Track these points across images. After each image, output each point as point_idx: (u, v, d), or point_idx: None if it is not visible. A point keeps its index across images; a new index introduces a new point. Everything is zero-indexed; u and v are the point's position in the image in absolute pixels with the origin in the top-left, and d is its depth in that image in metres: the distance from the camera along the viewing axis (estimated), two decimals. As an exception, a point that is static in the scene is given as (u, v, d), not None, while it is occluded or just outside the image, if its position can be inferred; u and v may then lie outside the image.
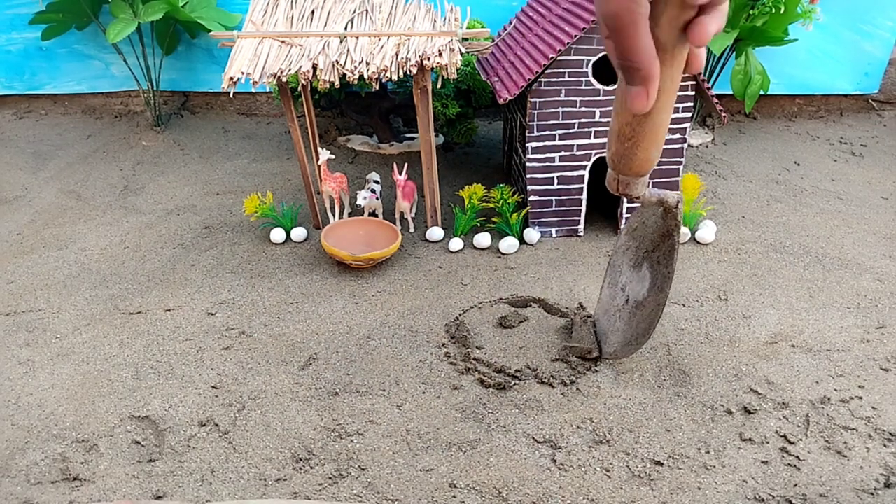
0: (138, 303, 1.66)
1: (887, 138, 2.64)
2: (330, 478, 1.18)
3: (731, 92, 2.44)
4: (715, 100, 1.74)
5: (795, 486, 1.17)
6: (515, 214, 1.86)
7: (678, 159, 1.84)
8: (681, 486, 1.17)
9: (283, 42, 1.65)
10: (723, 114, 1.76)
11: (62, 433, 1.27)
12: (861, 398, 1.35)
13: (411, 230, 1.97)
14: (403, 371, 1.43)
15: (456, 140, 2.37)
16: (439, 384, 1.39)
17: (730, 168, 2.37)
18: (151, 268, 1.80)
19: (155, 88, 2.57)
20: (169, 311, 1.63)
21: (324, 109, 2.53)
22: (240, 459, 1.22)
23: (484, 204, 1.89)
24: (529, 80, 1.68)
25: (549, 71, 1.70)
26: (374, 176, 2.00)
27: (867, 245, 1.89)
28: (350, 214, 2.01)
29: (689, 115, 1.79)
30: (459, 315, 1.60)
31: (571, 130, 1.78)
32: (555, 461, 1.21)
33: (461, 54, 1.62)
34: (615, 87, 1.28)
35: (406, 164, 1.87)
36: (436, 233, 1.91)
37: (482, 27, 1.89)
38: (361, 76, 1.58)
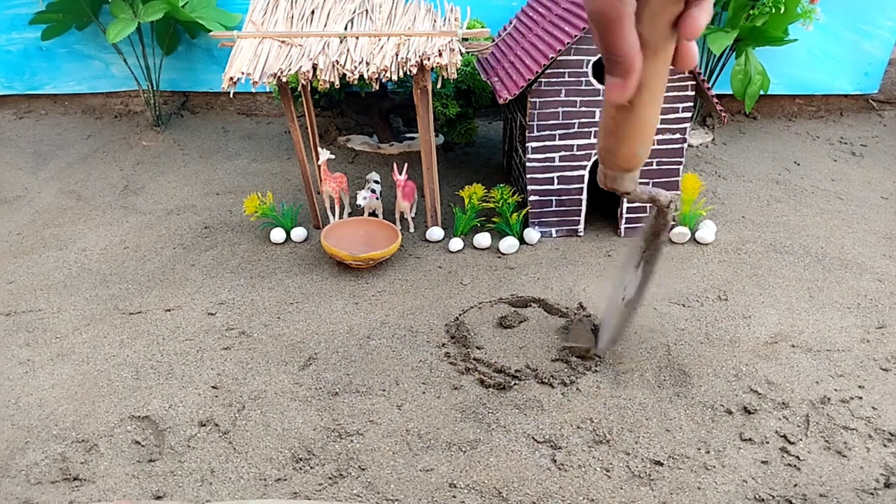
0: (138, 303, 1.66)
1: (887, 138, 2.64)
2: (330, 478, 1.18)
3: (731, 92, 2.44)
4: (715, 100, 1.74)
5: (795, 486, 1.17)
6: (515, 214, 1.86)
7: (678, 159, 1.84)
8: (681, 486, 1.17)
9: (283, 42, 1.65)
10: (723, 114, 1.76)
11: (62, 433, 1.27)
12: (861, 398, 1.35)
13: (411, 230, 1.97)
14: (403, 371, 1.43)
15: (456, 140, 2.37)
16: (439, 384, 1.39)
17: (730, 168, 2.37)
18: (151, 268, 1.80)
19: (155, 88, 2.57)
20: (169, 311, 1.63)
21: (324, 109, 2.53)
22: (240, 459, 1.22)
23: (484, 204, 1.89)
24: (529, 80, 1.68)
25: (549, 71, 1.70)
26: (374, 176, 2.00)
27: (867, 245, 1.89)
28: (350, 214, 2.01)
29: (689, 115, 1.79)
30: (459, 315, 1.60)
31: (571, 130, 1.78)
32: (555, 461, 1.21)
33: (461, 54, 1.62)
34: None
35: (406, 164, 1.87)
36: (436, 233, 1.91)
37: (482, 27, 1.89)
38: (361, 76, 1.58)
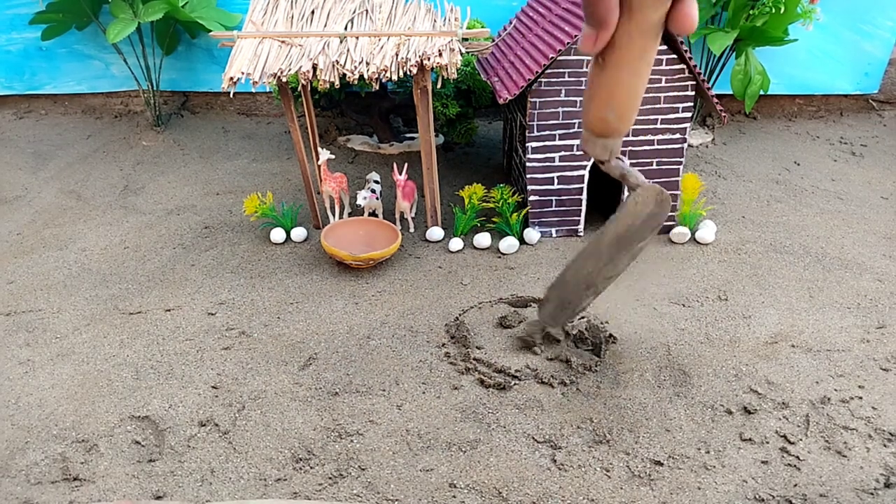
0: (138, 303, 1.66)
1: (887, 138, 2.64)
2: (330, 478, 1.18)
3: (731, 92, 2.44)
4: (715, 100, 1.74)
5: (795, 486, 1.17)
6: (515, 214, 1.86)
7: (678, 159, 1.84)
8: (681, 486, 1.17)
9: (283, 42, 1.65)
10: (723, 114, 1.76)
11: (62, 433, 1.27)
12: (861, 398, 1.35)
13: (411, 230, 1.97)
14: (403, 371, 1.43)
15: (456, 140, 2.37)
16: (439, 384, 1.39)
17: (730, 168, 2.37)
18: (151, 268, 1.80)
19: (155, 88, 2.57)
20: (169, 311, 1.63)
21: (324, 109, 2.53)
22: (240, 459, 1.22)
23: (484, 204, 1.89)
24: (529, 80, 1.68)
25: (549, 71, 1.70)
26: (374, 176, 2.00)
27: (867, 245, 1.89)
28: (350, 214, 2.01)
29: (689, 115, 1.79)
30: (459, 315, 1.60)
31: (571, 130, 1.78)
32: (555, 461, 1.21)
33: (461, 54, 1.62)
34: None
35: (406, 164, 1.87)
36: (436, 233, 1.91)
37: (482, 27, 1.89)
38: (361, 76, 1.58)
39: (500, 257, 1.84)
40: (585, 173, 1.83)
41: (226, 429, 1.28)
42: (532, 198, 1.86)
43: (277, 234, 1.90)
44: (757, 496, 1.15)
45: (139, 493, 1.15)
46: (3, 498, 1.14)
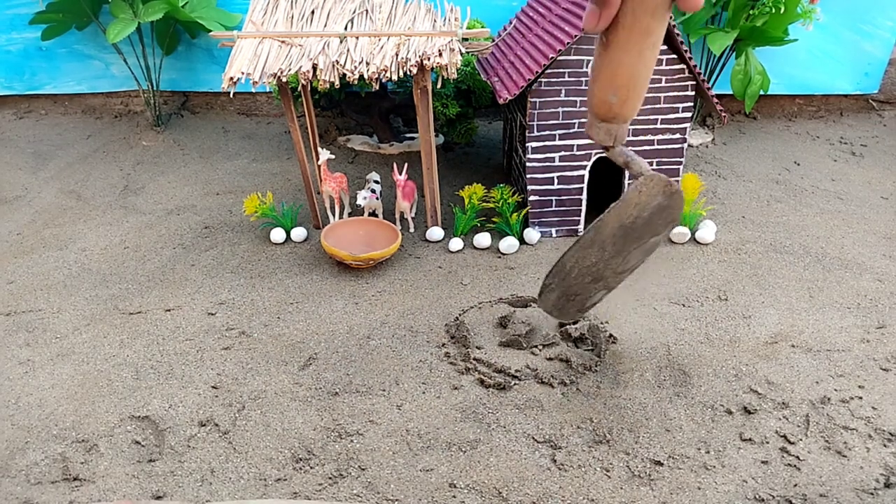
0: (138, 303, 1.66)
1: (887, 138, 2.64)
2: (330, 478, 1.18)
3: (731, 92, 2.44)
4: (715, 100, 1.74)
5: (795, 486, 1.17)
6: (515, 214, 1.86)
7: (678, 159, 1.84)
8: (681, 486, 1.17)
9: (283, 42, 1.65)
10: (723, 114, 1.77)
11: (62, 433, 1.27)
12: (861, 398, 1.35)
13: (411, 230, 1.97)
14: (403, 371, 1.43)
15: (456, 140, 2.37)
16: (439, 384, 1.39)
17: (730, 168, 2.37)
18: (151, 268, 1.80)
19: (155, 88, 2.57)
20: (169, 311, 1.63)
21: (324, 109, 2.53)
22: (240, 459, 1.22)
23: (484, 204, 1.89)
24: (529, 80, 1.68)
25: (549, 71, 1.70)
26: (374, 176, 2.00)
27: (867, 245, 1.89)
28: (350, 214, 2.01)
29: (689, 115, 1.79)
30: (459, 315, 1.60)
31: (571, 130, 1.78)
32: (555, 461, 1.21)
33: (461, 54, 1.62)
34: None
35: (406, 164, 1.87)
36: (436, 233, 1.91)
37: (482, 27, 1.89)
38: (361, 76, 1.58)
39: (500, 257, 1.84)
40: (585, 173, 1.83)
41: (226, 429, 1.28)
42: (532, 198, 1.86)
43: (277, 234, 1.90)
44: (757, 496, 1.15)
45: (139, 493, 1.15)
46: (3, 498, 1.14)
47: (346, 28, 1.68)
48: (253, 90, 1.98)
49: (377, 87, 1.66)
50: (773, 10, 2.19)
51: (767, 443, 1.25)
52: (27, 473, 1.19)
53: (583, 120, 1.76)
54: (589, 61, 1.70)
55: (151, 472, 1.20)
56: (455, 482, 1.17)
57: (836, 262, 1.81)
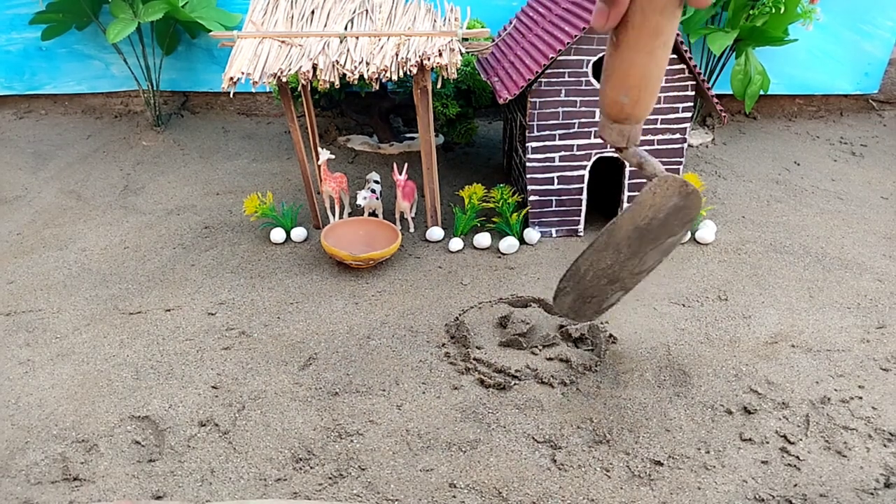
0: (138, 303, 1.66)
1: (887, 138, 2.64)
2: (330, 478, 1.18)
3: (731, 92, 2.44)
4: (715, 100, 1.74)
5: (795, 486, 1.17)
6: (515, 214, 1.86)
7: (678, 159, 1.84)
8: (681, 486, 1.17)
9: (283, 42, 1.65)
10: (723, 114, 1.76)
11: (62, 433, 1.27)
12: (861, 398, 1.35)
13: (411, 230, 1.97)
14: (403, 371, 1.43)
15: (456, 140, 2.37)
16: (439, 384, 1.39)
17: (730, 168, 2.37)
18: (151, 268, 1.80)
19: (155, 88, 2.57)
20: (169, 311, 1.63)
21: (324, 109, 2.53)
22: (240, 459, 1.22)
23: (484, 204, 1.89)
24: (529, 80, 1.68)
25: (549, 71, 1.70)
26: (374, 176, 2.00)
27: (867, 245, 1.89)
28: (350, 214, 2.01)
29: (689, 115, 1.79)
30: (459, 315, 1.60)
31: (571, 130, 1.78)
32: (555, 461, 1.21)
33: (461, 54, 1.62)
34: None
35: (406, 164, 1.87)
36: (436, 233, 1.91)
37: (482, 27, 1.89)
38: (361, 76, 1.58)
39: (500, 257, 1.84)
40: (585, 173, 1.83)
41: (226, 429, 1.28)
42: (532, 198, 1.86)
43: (277, 234, 1.90)
44: (757, 496, 1.15)
45: (139, 493, 1.15)
46: (3, 498, 1.14)
47: (346, 28, 1.68)
48: (253, 90, 1.98)
49: (377, 87, 1.66)
50: (773, 10, 2.19)
51: (767, 443, 1.25)
52: (27, 473, 1.19)
53: (583, 120, 1.76)
54: (589, 61, 1.70)
55: (151, 472, 1.20)
56: (455, 482, 1.17)
57: (836, 262, 1.81)
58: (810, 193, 2.20)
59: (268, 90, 2.51)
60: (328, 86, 1.60)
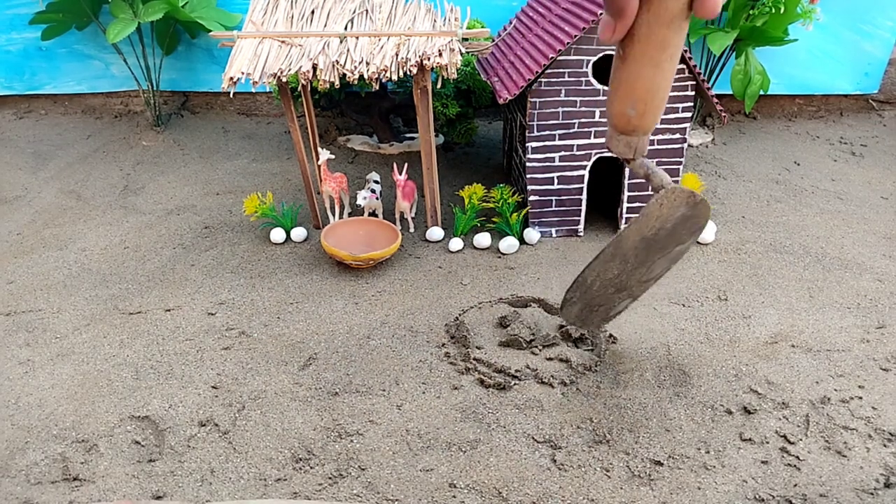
0: (138, 303, 1.66)
1: (887, 138, 2.64)
2: (330, 478, 1.18)
3: (731, 92, 2.44)
4: (715, 100, 1.74)
5: (795, 486, 1.17)
6: (515, 214, 1.86)
7: (678, 159, 1.84)
8: (681, 486, 1.17)
9: (283, 42, 1.65)
10: (723, 114, 1.76)
11: (62, 433, 1.27)
12: (861, 398, 1.35)
13: (411, 230, 1.97)
14: (403, 371, 1.43)
15: (456, 140, 2.37)
16: (439, 384, 1.39)
17: (730, 168, 2.37)
18: (151, 268, 1.80)
19: (155, 88, 2.57)
20: (169, 311, 1.63)
21: (324, 109, 2.53)
22: (240, 459, 1.22)
23: (484, 204, 1.89)
24: (529, 80, 1.68)
25: (549, 71, 1.70)
26: (374, 176, 2.00)
27: (867, 245, 1.89)
28: (350, 214, 2.01)
29: (689, 115, 1.79)
30: (459, 315, 1.60)
31: (571, 130, 1.78)
32: (555, 461, 1.21)
33: (461, 54, 1.62)
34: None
35: (406, 164, 1.87)
36: (436, 233, 1.91)
37: (482, 27, 1.89)
38: (361, 76, 1.58)
39: (500, 257, 1.84)
40: (585, 173, 1.83)
41: (226, 429, 1.28)
42: (532, 198, 1.86)
43: (277, 234, 1.90)
44: (757, 496, 1.15)
45: (139, 493, 1.15)
46: (3, 498, 1.14)
47: (346, 28, 1.68)
48: (253, 90, 1.98)
49: (377, 87, 1.66)
50: (773, 10, 2.19)
51: (767, 443, 1.25)
52: (27, 473, 1.19)
53: (583, 120, 1.76)
54: (589, 61, 1.70)
55: (151, 472, 1.20)
56: (455, 482, 1.17)
57: (836, 262, 1.81)
58: (810, 193, 2.20)
59: (268, 90, 2.51)
60: (328, 86, 1.60)
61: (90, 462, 1.21)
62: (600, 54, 1.69)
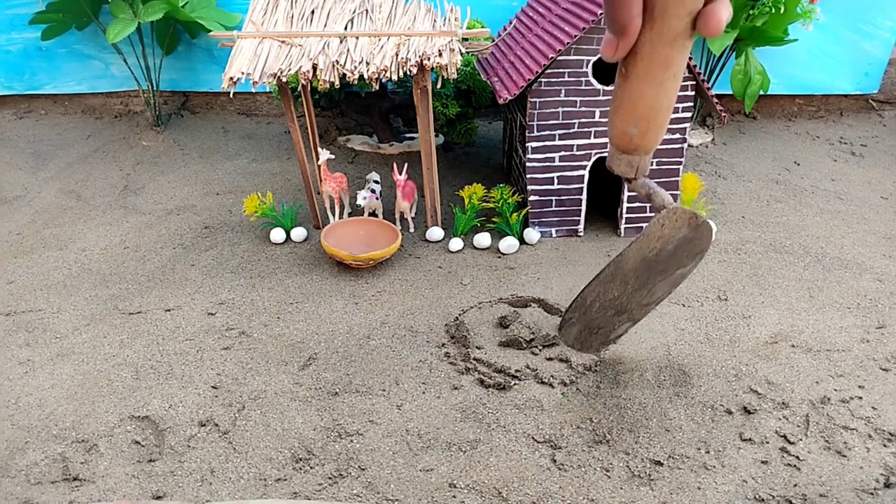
0: (138, 303, 1.66)
1: (887, 138, 2.64)
2: (330, 478, 1.18)
3: (731, 92, 2.44)
4: (715, 100, 1.74)
5: (795, 486, 1.17)
6: (515, 214, 1.86)
7: (678, 159, 1.84)
8: (681, 486, 1.17)
9: (283, 42, 1.65)
10: (723, 114, 1.77)
11: (62, 433, 1.27)
12: (861, 398, 1.35)
13: (411, 230, 1.97)
14: (403, 371, 1.43)
15: (456, 140, 2.37)
16: (439, 384, 1.39)
17: (730, 168, 2.37)
18: (151, 268, 1.80)
19: (155, 88, 2.57)
20: (169, 311, 1.63)
21: (324, 109, 2.53)
22: (240, 459, 1.22)
23: (484, 204, 1.89)
24: (529, 80, 1.68)
25: (549, 71, 1.70)
26: (374, 176, 2.00)
27: (867, 245, 1.89)
28: (350, 214, 2.01)
29: (689, 115, 1.79)
30: (459, 315, 1.60)
31: (571, 130, 1.78)
32: (555, 461, 1.21)
33: (461, 54, 1.62)
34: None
35: (406, 164, 1.87)
36: (436, 233, 1.91)
37: (482, 27, 1.89)
38: (361, 76, 1.58)
39: (500, 257, 1.84)
40: (585, 173, 1.83)
41: (226, 429, 1.28)
42: (532, 198, 1.86)
43: (277, 234, 1.90)
44: (757, 496, 1.15)
45: (139, 493, 1.15)
46: (3, 498, 1.14)
47: (346, 28, 1.68)
48: (253, 90, 1.98)
49: (377, 87, 1.66)
50: (773, 10, 2.19)
51: (767, 443, 1.25)
52: (27, 473, 1.19)
53: (583, 120, 1.76)
54: (589, 61, 1.70)
55: (151, 472, 1.20)
56: (455, 482, 1.17)
57: (836, 262, 1.81)
58: (810, 193, 2.20)
59: (268, 90, 2.51)
60: (328, 86, 1.60)
61: (90, 462, 1.21)
62: (600, 54, 1.69)
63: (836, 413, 1.31)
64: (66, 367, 1.44)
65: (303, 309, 1.63)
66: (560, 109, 1.75)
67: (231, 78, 1.56)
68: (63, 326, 1.58)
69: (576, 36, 1.62)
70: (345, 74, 1.59)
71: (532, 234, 1.89)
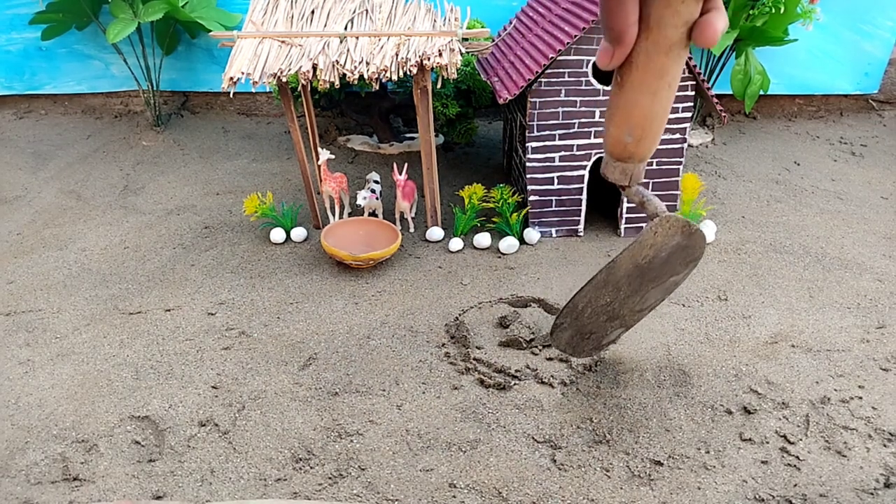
0: (138, 303, 1.66)
1: (887, 138, 2.64)
2: (330, 478, 1.18)
3: (731, 92, 2.44)
4: (715, 100, 1.74)
5: (795, 486, 1.17)
6: (515, 214, 1.86)
7: (678, 159, 1.84)
8: (681, 486, 1.17)
9: (283, 42, 1.65)
10: (723, 114, 1.77)
11: (62, 433, 1.27)
12: (861, 398, 1.35)
13: (411, 230, 1.97)
14: (403, 371, 1.43)
15: (456, 140, 2.37)
16: (439, 384, 1.39)
17: (730, 168, 2.37)
18: (151, 268, 1.80)
19: (155, 88, 2.57)
20: (169, 311, 1.63)
21: (324, 109, 2.53)
22: (240, 459, 1.22)
23: (484, 204, 1.89)
24: (529, 80, 1.68)
25: (549, 71, 1.70)
26: (374, 176, 2.00)
27: (867, 245, 1.89)
28: (350, 214, 2.01)
29: (689, 115, 1.79)
30: (459, 315, 1.60)
31: (571, 130, 1.78)
32: (555, 461, 1.21)
33: (461, 54, 1.62)
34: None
35: (406, 164, 1.87)
36: (436, 233, 1.91)
37: (482, 27, 1.89)
38: (361, 76, 1.58)
39: (500, 257, 1.84)
40: (585, 173, 1.83)
41: (226, 429, 1.28)
42: (532, 198, 1.86)
43: (277, 234, 1.90)
44: (757, 496, 1.15)
45: (139, 493, 1.15)
46: (3, 498, 1.14)
47: (346, 28, 1.68)
48: (253, 90, 1.98)
49: (377, 87, 1.66)
50: (773, 10, 2.19)
51: (767, 443, 1.25)
52: (27, 473, 1.19)
53: (583, 120, 1.76)
54: (589, 61, 1.70)
55: (151, 472, 1.20)
56: (455, 482, 1.17)
57: (836, 262, 1.81)
58: (810, 193, 2.20)
59: (268, 90, 2.51)
60: (328, 86, 1.60)
61: (90, 462, 1.21)
62: (596, 62, 1.69)
63: (836, 413, 1.31)
64: (66, 367, 1.44)
65: (303, 309, 1.63)
66: (560, 109, 1.75)
67: (231, 78, 1.56)
68: (63, 326, 1.58)
69: (576, 36, 1.62)
70: (345, 74, 1.59)
71: (532, 234, 1.89)
